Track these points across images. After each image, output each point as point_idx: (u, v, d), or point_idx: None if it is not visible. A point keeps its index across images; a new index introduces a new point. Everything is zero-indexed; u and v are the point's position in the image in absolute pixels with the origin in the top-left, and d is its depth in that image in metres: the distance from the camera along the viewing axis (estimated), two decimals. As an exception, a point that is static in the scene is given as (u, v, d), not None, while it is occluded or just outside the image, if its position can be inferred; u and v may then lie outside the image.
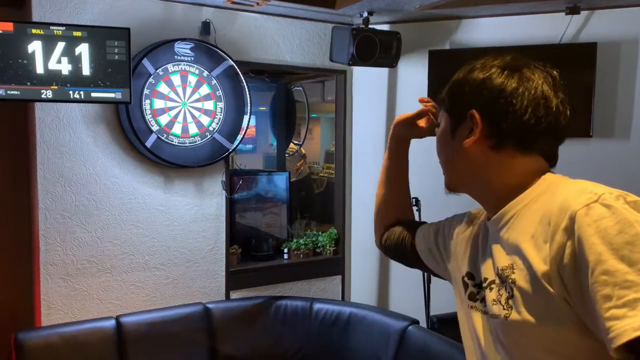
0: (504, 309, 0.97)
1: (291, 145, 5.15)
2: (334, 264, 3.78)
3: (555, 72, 1.05)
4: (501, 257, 1.00)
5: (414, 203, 3.27)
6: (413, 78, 3.56)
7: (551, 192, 0.96)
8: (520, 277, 0.94)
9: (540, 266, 0.89)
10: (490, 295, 1.02)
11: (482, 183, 1.08)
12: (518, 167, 1.02)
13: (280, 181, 3.99)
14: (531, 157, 1.02)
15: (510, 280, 0.96)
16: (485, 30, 3.39)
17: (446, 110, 1.12)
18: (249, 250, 3.61)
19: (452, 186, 1.15)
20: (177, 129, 3.04)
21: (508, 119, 1.00)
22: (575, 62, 3.16)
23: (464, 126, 1.05)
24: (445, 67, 3.45)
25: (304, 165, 5.82)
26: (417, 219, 3.30)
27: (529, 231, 0.94)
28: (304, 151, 5.94)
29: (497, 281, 1.00)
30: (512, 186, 1.02)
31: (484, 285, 1.06)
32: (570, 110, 1.05)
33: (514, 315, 0.94)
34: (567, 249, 0.85)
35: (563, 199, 0.90)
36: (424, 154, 3.59)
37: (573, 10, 3.03)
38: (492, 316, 1.01)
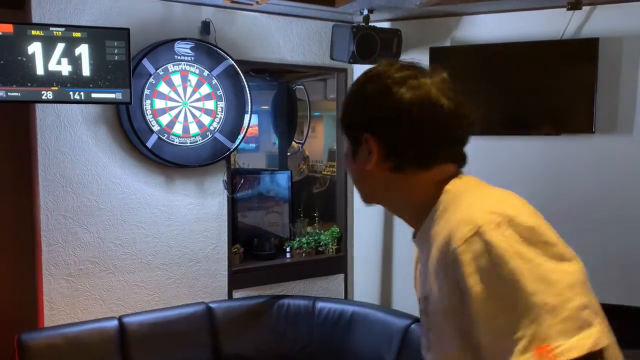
0: (427, 341, 0.98)
1: (293, 143, 5.14)
2: (337, 262, 3.78)
3: (444, 74, 1.04)
4: (424, 284, 1.00)
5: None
6: (414, 75, 3.55)
7: (451, 211, 0.93)
8: (433, 309, 0.94)
9: (443, 300, 0.90)
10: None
11: (393, 201, 1.06)
12: (422, 183, 0.99)
13: (282, 180, 3.98)
14: (433, 169, 0.99)
15: (425, 312, 0.97)
16: (486, 27, 3.38)
17: (343, 133, 1.08)
18: (251, 249, 3.61)
19: (366, 201, 1.09)
20: (178, 128, 3.04)
21: (402, 140, 0.97)
22: (577, 57, 3.14)
23: (363, 149, 1.01)
24: (446, 64, 3.43)
25: (304, 166, 5.81)
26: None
27: (435, 256, 0.92)
28: (307, 152, 5.93)
29: (422, 310, 1.01)
30: (422, 203, 1.00)
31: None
32: (469, 107, 1.02)
33: (434, 349, 0.96)
34: (456, 285, 0.86)
35: (450, 230, 0.88)
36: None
37: (575, 6, 3.01)
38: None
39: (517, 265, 0.81)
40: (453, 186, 0.98)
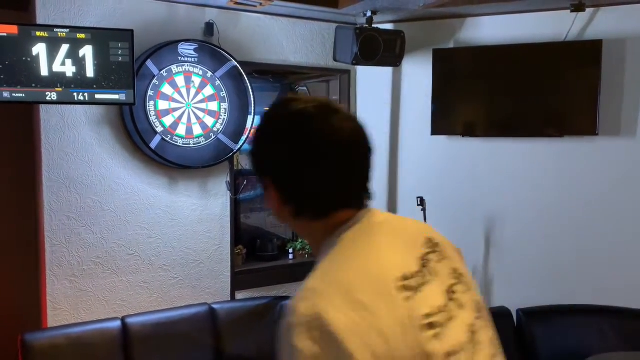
0: None
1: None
2: (339, 264, 3.77)
3: (324, 101, 0.99)
4: None
5: (419, 203, 3.26)
6: (417, 77, 3.55)
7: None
8: None
9: None
10: None
11: (306, 239, 1.04)
12: (318, 231, 0.97)
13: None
14: (327, 219, 0.96)
15: None
16: (489, 29, 3.38)
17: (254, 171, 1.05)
18: (254, 250, 3.61)
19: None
20: (181, 130, 3.05)
21: (293, 191, 0.96)
22: (580, 59, 3.14)
23: (268, 191, 0.99)
24: (450, 65, 3.44)
25: None
26: (422, 218, 3.30)
27: None
28: None
29: None
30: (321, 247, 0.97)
31: None
32: (362, 148, 0.97)
33: None
34: None
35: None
36: (427, 155, 3.60)
37: (578, 8, 3.00)
38: None
39: None
40: (334, 239, 0.95)
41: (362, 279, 0.85)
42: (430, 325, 0.85)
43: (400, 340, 0.81)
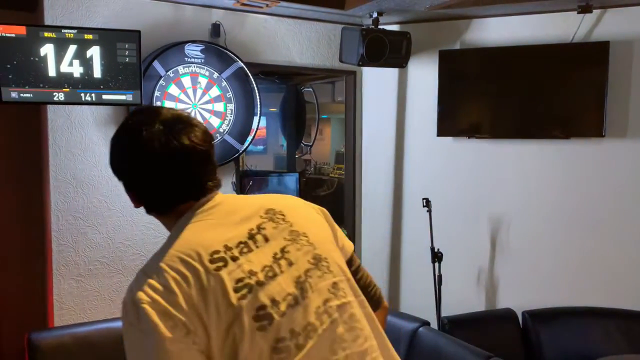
0: None
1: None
2: (345, 264, 3.77)
3: (158, 111, 1.13)
4: None
5: (425, 204, 3.26)
6: (423, 78, 3.55)
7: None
8: None
9: None
10: None
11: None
12: (169, 223, 1.13)
13: (291, 182, 3.99)
14: (172, 213, 1.12)
15: None
16: (495, 30, 3.37)
17: None
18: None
19: None
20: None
21: (136, 194, 1.13)
22: (587, 61, 3.13)
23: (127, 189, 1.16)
24: (456, 66, 3.44)
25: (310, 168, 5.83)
26: (427, 220, 3.30)
27: None
28: (310, 156, 5.94)
29: None
30: None
31: None
32: (188, 146, 1.08)
33: None
34: None
35: None
36: (433, 156, 3.59)
37: (585, 9, 3.00)
38: None
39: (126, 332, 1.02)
40: (173, 229, 1.11)
41: (170, 262, 1.01)
42: (239, 288, 0.99)
43: (201, 305, 0.96)
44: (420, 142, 3.62)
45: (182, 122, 1.10)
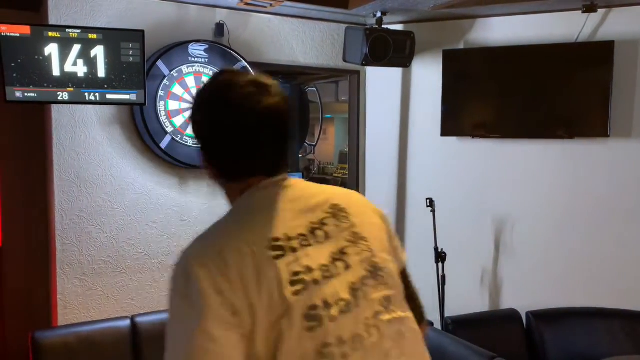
0: None
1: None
2: (348, 264, 3.77)
3: (263, 80, 1.08)
4: None
5: (428, 204, 3.26)
6: (427, 78, 3.54)
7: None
8: None
9: None
10: None
11: (225, 198, 1.17)
12: (234, 192, 1.11)
13: (294, 182, 3.99)
14: (241, 183, 1.09)
15: None
16: (499, 30, 3.36)
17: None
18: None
19: None
20: (191, 130, 3.05)
21: (214, 155, 1.09)
22: (592, 61, 3.12)
23: (201, 151, 1.13)
24: (460, 66, 3.43)
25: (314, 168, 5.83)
26: (431, 220, 3.29)
27: None
28: (314, 156, 5.94)
29: None
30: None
31: None
32: (280, 116, 1.07)
33: None
34: None
35: None
36: (437, 156, 3.59)
37: (590, 9, 2.99)
38: None
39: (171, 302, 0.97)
40: (237, 201, 1.10)
41: (229, 237, 0.99)
42: (295, 282, 0.95)
43: (254, 289, 0.92)
44: (424, 142, 3.62)
45: (271, 92, 1.06)
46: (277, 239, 0.98)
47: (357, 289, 1.01)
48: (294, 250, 0.99)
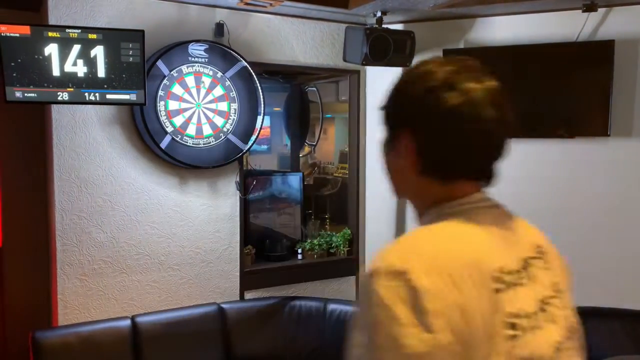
0: None
1: (305, 148, 5.14)
2: (348, 264, 3.77)
3: (494, 82, 0.99)
4: None
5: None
6: (427, 77, 3.53)
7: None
8: None
9: None
10: None
11: (415, 201, 1.03)
12: (433, 195, 0.97)
13: (294, 181, 3.99)
14: (449, 186, 0.96)
15: None
16: (500, 29, 3.36)
17: (384, 122, 1.03)
18: (263, 250, 3.62)
19: (396, 194, 1.07)
20: (191, 130, 3.06)
21: (437, 148, 0.93)
22: (592, 60, 3.11)
23: (400, 142, 0.97)
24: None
25: (314, 170, 5.83)
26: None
27: None
28: (316, 156, 5.93)
29: None
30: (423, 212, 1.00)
31: None
32: (510, 123, 0.97)
33: None
34: None
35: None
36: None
37: (590, 8, 2.98)
38: None
39: (378, 313, 0.79)
40: (445, 210, 0.96)
41: (457, 259, 0.83)
42: (512, 325, 0.83)
43: (479, 326, 0.79)
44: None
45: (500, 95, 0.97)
46: (500, 270, 0.85)
47: (561, 349, 0.90)
48: (511, 286, 0.85)
